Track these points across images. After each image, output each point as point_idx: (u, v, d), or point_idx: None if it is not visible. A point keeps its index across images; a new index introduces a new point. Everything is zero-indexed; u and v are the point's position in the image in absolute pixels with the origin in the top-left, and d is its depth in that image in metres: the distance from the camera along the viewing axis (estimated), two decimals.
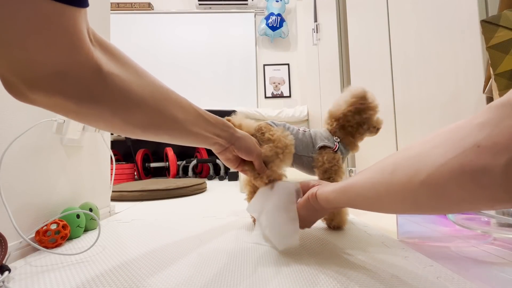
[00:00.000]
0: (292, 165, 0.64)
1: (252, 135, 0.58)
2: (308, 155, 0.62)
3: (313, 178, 0.62)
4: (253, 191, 0.65)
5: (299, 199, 0.51)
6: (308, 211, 0.48)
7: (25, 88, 0.24)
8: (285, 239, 0.48)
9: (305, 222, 0.50)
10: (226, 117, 0.58)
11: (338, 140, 0.64)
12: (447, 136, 0.24)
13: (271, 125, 0.60)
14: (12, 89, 0.25)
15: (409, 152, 0.27)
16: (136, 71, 0.33)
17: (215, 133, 0.46)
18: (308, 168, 0.64)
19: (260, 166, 0.54)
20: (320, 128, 0.68)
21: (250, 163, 0.54)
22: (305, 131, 0.64)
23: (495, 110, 0.21)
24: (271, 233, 0.51)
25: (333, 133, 0.65)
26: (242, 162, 0.55)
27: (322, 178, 0.60)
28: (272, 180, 0.55)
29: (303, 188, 0.52)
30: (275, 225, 0.50)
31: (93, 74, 0.27)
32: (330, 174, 0.60)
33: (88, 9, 0.26)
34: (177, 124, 0.38)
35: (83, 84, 0.27)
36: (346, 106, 0.62)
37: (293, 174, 0.63)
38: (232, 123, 0.56)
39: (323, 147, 0.62)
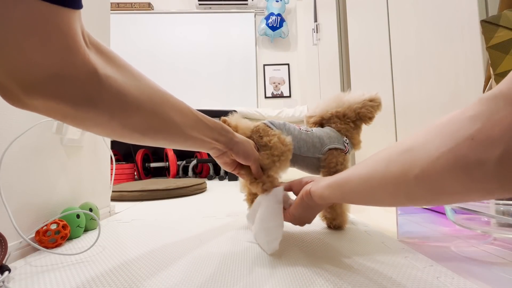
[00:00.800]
0: (294, 166, 0.64)
1: (249, 136, 0.58)
2: (314, 156, 0.61)
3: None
4: (252, 192, 0.65)
5: (289, 201, 0.53)
6: (304, 210, 0.48)
7: (21, 93, 0.24)
8: (268, 245, 0.48)
9: (304, 219, 0.50)
10: (222, 117, 0.58)
11: (348, 141, 0.64)
12: (440, 129, 0.24)
13: (269, 127, 0.59)
14: (8, 95, 0.24)
15: (402, 146, 0.28)
16: (132, 74, 0.32)
17: (214, 137, 0.46)
18: (312, 169, 0.63)
19: (257, 171, 0.54)
20: (326, 128, 0.67)
21: (247, 167, 0.55)
22: (308, 131, 0.63)
23: (486, 102, 0.21)
24: (258, 240, 0.53)
25: (344, 132, 0.64)
26: (239, 166, 0.55)
27: None
28: (269, 186, 0.55)
29: (296, 187, 0.52)
30: (261, 232, 0.51)
31: (89, 76, 0.27)
32: None
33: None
34: (176, 128, 0.38)
35: (79, 87, 0.26)
36: (362, 106, 0.63)
37: (294, 174, 0.63)
38: (228, 124, 0.56)
39: (334, 149, 0.61)
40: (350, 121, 0.65)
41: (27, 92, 0.24)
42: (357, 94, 0.66)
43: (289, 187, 0.54)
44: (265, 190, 0.54)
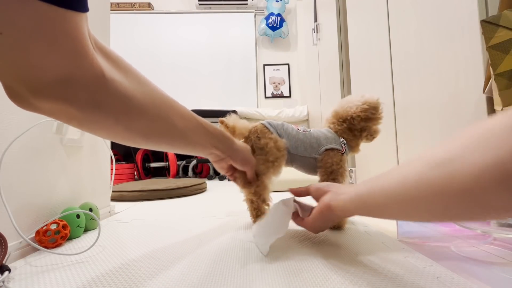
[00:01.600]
0: (291, 165, 0.64)
1: (247, 136, 0.59)
2: (310, 156, 0.61)
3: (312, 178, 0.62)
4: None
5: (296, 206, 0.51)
6: (324, 222, 0.47)
7: (29, 95, 0.24)
8: (262, 247, 0.48)
9: (321, 229, 0.50)
10: (220, 118, 0.58)
11: (344, 142, 0.63)
12: (479, 140, 0.22)
13: (267, 128, 0.60)
14: (16, 97, 0.25)
15: (434, 159, 0.26)
16: (138, 78, 0.33)
17: (214, 143, 0.46)
18: (309, 169, 0.64)
19: (253, 177, 0.56)
20: (322, 128, 0.67)
21: (242, 172, 0.56)
22: (305, 131, 0.64)
23: None
24: (255, 239, 0.52)
25: (340, 133, 0.64)
26: (234, 170, 0.56)
27: (326, 180, 0.60)
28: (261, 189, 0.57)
29: (315, 193, 0.49)
30: (261, 235, 0.50)
31: (96, 80, 0.27)
32: (335, 175, 0.60)
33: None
34: (178, 133, 0.39)
35: (87, 90, 0.26)
36: (357, 110, 0.62)
37: (293, 174, 0.63)
38: (226, 124, 0.57)
39: (331, 149, 0.61)
40: (343, 122, 0.65)
41: (36, 95, 0.24)
42: (355, 95, 0.66)
43: (306, 192, 0.52)
44: (256, 193, 0.56)
